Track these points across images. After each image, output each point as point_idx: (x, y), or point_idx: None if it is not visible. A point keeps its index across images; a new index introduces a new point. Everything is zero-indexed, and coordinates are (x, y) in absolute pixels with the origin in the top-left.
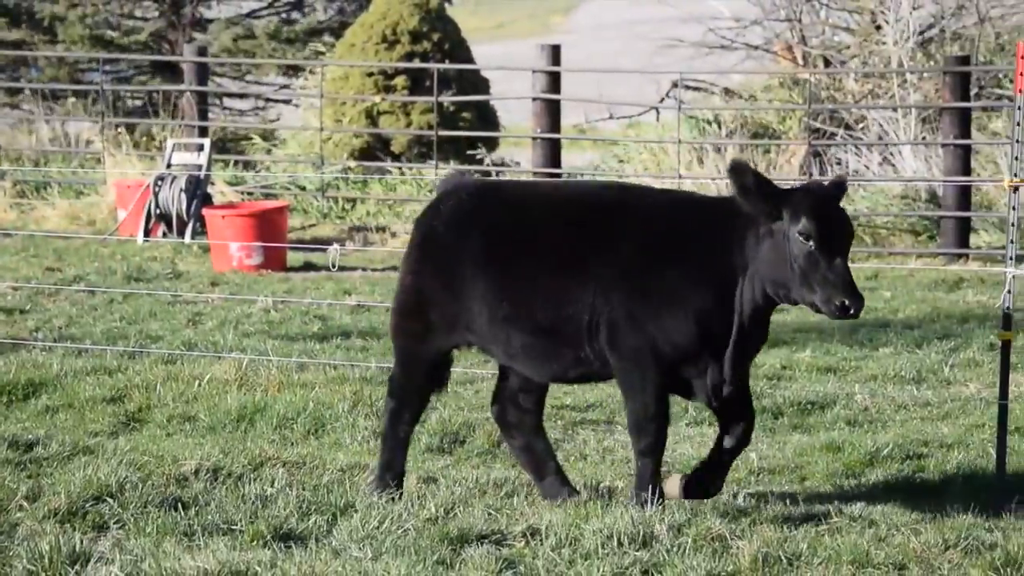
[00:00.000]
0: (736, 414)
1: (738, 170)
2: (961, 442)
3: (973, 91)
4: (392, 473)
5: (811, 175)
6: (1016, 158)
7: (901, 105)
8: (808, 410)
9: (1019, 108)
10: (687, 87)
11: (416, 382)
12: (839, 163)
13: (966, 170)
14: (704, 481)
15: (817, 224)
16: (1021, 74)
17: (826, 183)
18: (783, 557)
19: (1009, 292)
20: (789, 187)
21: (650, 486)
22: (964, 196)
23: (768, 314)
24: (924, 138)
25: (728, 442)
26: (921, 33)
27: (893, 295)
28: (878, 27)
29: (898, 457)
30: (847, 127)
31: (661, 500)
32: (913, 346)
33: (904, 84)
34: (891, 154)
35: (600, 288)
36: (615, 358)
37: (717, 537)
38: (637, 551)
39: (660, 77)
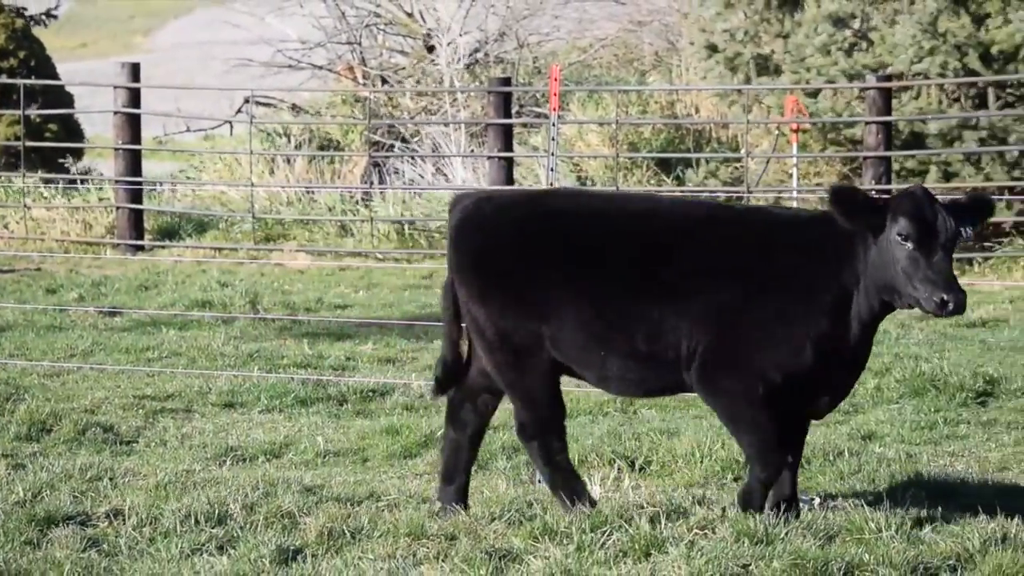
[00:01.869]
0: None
1: (842, 197)
2: (505, 424)
3: (515, 109)
4: (582, 501)
5: (372, 183)
6: (551, 169)
7: (452, 121)
8: (370, 397)
9: (554, 125)
10: (258, 103)
11: (546, 411)
12: (397, 173)
13: (509, 180)
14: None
15: (913, 224)
16: (555, 94)
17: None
18: (347, 531)
19: None
20: (887, 197)
21: (759, 508)
22: None
23: (880, 322)
24: (472, 151)
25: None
26: (469, 56)
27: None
28: (431, 49)
29: None
30: (404, 140)
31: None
32: None
33: (454, 102)
34: (443, 165)
35: (697, 315)
36: (709, 389)
37: (287, 514)
38: (213, 528)
39: (233, 94)
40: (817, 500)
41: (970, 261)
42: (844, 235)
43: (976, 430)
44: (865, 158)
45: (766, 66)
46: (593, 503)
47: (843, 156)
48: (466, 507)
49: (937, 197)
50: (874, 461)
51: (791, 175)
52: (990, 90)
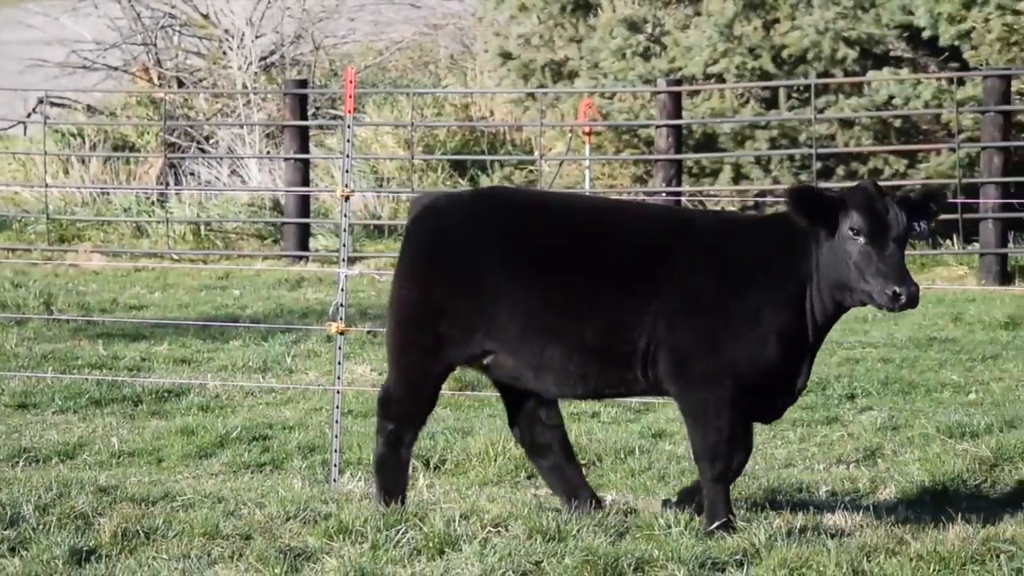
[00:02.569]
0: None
1: (799, 197)
2: (302, 424)
3: (311, 111)
4: (396, 500)
5: (168, 184)
6: (347, 171)
7: (247, 123)
8: (165, 397)
9: (348, 127)
10: (53, 104)
11: (423, 401)
12: (192, 174)
13: (305, 181)
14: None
15: (864, 218)
16: (350, 96)
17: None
18: (141, 532)
19: (343, 290)
20: (839, 193)
21: (726, 512)
22: (304, 204)
23: (832, 325)
24: (268, 152)
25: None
26: (264, 58)
27: (242, 293)
28: (225, 52)
29: (246, 439)
30: (199, 142)
31: (734, 525)
32: (260, 339)
33: (249, 104)
34: (239, 167)
35: (663, 314)
36: (679, 384)
37: (80, 515)
38: (5, 530)
39: (27, 94)
40: (609, 498)
41: None
42: (798, 234)
43: (763, 427)
44: (656, 160)
45: (560, 71)
46: (402, 501)
47: (636, 158)
48: (598, 502)
49: (888, 192)
50: (664, 459)
51: (585, 177)
52: (781, 91)
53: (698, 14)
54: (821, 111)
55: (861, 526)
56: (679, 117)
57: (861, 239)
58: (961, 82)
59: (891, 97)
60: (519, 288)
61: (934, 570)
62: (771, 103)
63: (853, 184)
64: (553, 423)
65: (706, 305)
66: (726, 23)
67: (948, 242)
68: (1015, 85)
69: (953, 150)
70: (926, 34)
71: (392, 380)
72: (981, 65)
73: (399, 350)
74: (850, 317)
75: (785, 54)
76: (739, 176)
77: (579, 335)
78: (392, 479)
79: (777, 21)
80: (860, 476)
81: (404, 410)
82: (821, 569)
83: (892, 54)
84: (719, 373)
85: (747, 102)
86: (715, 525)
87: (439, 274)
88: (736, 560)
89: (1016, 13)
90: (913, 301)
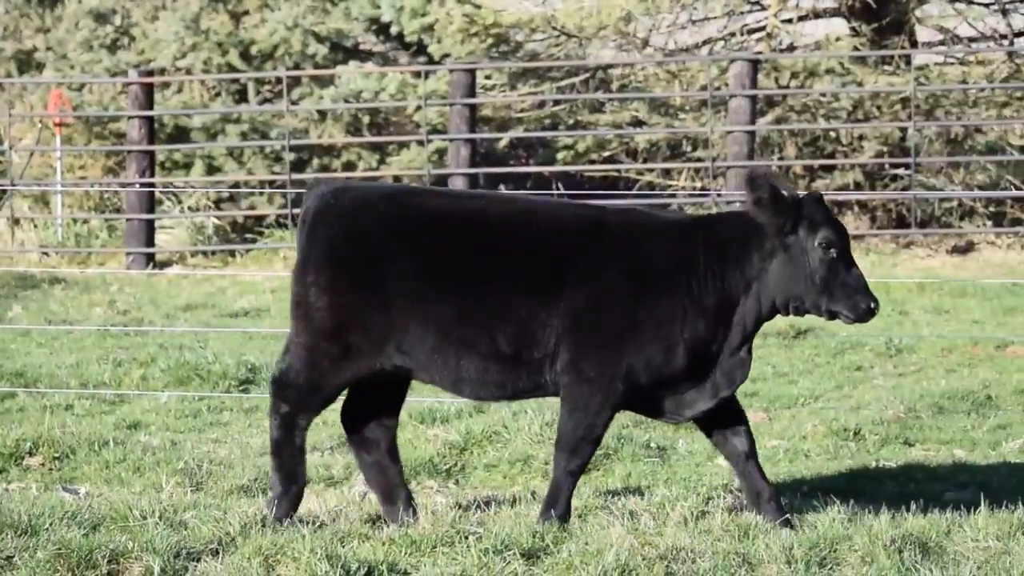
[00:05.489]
0: (733, 417)
1: (755, 182)
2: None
3: None
4: (296, 487)
5: None
6: None
7: None
8: None
9: None
10: None
11: (321, 399)
12: None
13: None
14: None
15: (836, 233)
16: None
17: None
18: None
19: None
20: (794, 198)
21: (567, 505)
22: None
23: (760, 328)
24: None
25: (742, 445)
26: None
27: None
28: None
29: None
30: None
31: (569, 519)
32: None
33: None
34: None
35: (568, 313)
36: (571, 377)
37: None
38: None
39: None
40: (83, 490)
41: (232, 253)
42: (735, 239)
43: (239, 416)
44: (129, 152)
45: (28, 61)
46: (300, 496)
47: (108, 150)
48: (415, 514)
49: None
50: (139, 450)
51: (55, 168)
52: (250, 86)
53: (164, 8)
54: (295, 103)
55: (336, 512)
56: (151, 109)
57: (833, 252)
58: (428, 75)
59: (360, 91)
60: (432, 300)
61: (407, 552)
62: (242, 96)
63: (809, 193)
64: (388, 424)
65: (613, 307)
66: (192, 17)
67: None
68: (479, 78)
69: (422, 143)
70: (393, 28)
71: (291, 366)
72: (445, 59)
73: (305, 349)
74: None
75: (255, 49)
76: (212, 168)
77: (494, 346)
78: (291, 463)
79: (247, 13)
80: (335, 463)
81: (299, 398)
82: (296, 556)
83: (363, 47)
84: (612, 375)
85: (219, 95)
86: (552, 513)
87: (348, 281)
88: (211, 549)
89: (475, 6)
90: (876, 312)
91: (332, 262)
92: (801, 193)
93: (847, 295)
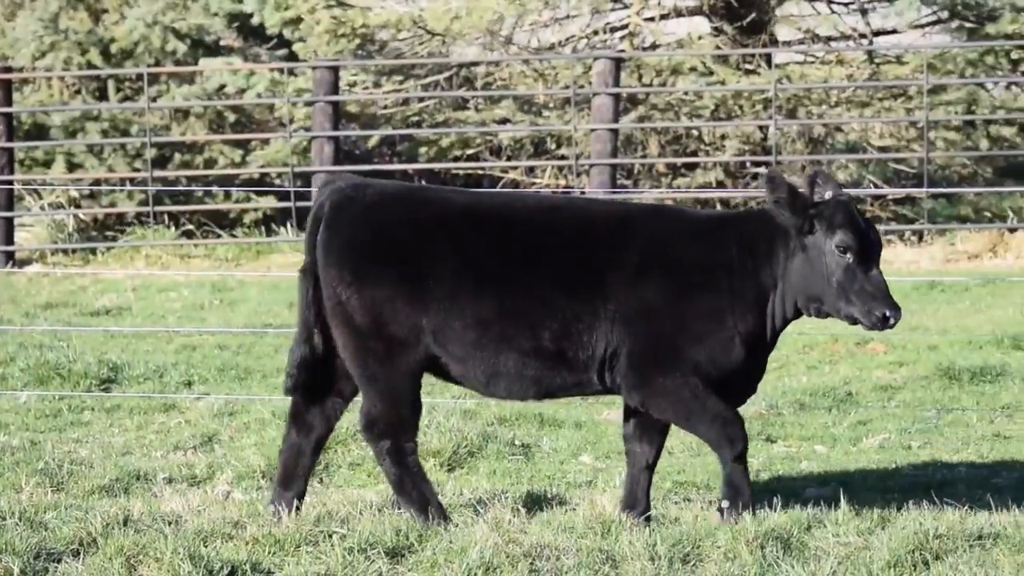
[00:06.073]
0: (658, 429)
1: (773, 182)
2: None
3: None
4: (434, 507)
5: None
6: None
7: None
8: None
9: None
10: None
11: (396, 406)
12: None
13: None
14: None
15: (854, 237)
16: None
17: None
18: None
19: None
20: (819, 199)
21: (748, 493)
22: None
23: (785, 329)
24: None
25: (649, 455)
26: None
27: None
28: None
29: None
30: None
31: (751, 507)
32: None
33: None
34: None
35: (619, 313)
36: (645, 384)
37: None
38: None
39: None
40: None
41: (93, 251)
42: (763, 236)
43: (100, 416)
44: None
45: None
46: (442, 508)
47: None
48: (289, 512)
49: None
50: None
51: None
52: (110, 83)
53: (23, 6)
54: (154, 100)
55: (199, 511)
56: (9, 106)
57: (849, 257)
58: (292, 72)
59: (223, 87)
60: (473, 295)
61: (270, 551)
62: (103, 95)
63: (835, 196)
64: (334, 416)
65: (669, 305)
66: (51, 17)
67: (283, 230)
68: (343, 76)
69: (286, 139)
70: (255, 21)
71: (364, 407)
72: (309, 56)
73: (356, 358)
74: (189, 304)
75: (115, 48)
76: (73, 166)
77: (536, 341)
78: (417, 491)
79: (107, 11)
80: (198, 462)
81: (385, 419)
82: (159, 556)
83: (224, 43)
84: (683, 371)
85: (79, 92)
86: (739, 507)
87: (377, 274)
88: (72, 550)
89: (343, 6)
90: (896, 323)
91: (357, 255)
92: (829, 194)
93: (863, 301)
